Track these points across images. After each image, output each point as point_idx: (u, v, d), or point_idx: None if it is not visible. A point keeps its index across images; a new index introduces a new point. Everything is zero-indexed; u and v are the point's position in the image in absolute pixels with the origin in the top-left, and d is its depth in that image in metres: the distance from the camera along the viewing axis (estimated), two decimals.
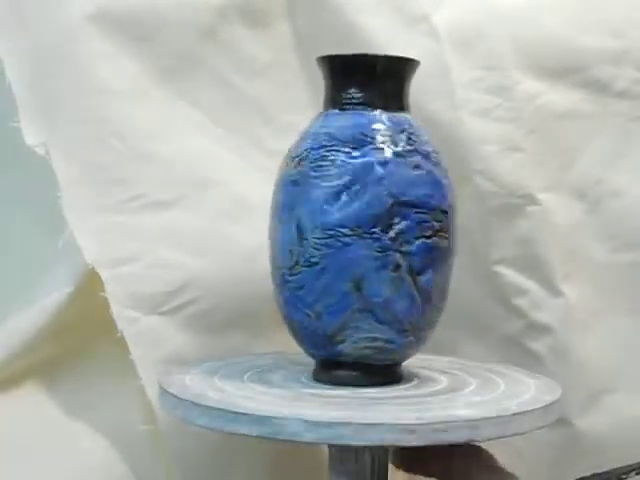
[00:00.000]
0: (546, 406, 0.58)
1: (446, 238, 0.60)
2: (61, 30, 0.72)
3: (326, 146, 0.59)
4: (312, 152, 0.60)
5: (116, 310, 0.70)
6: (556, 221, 0.80)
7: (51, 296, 0.73)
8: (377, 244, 0.58)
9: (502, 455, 0.77)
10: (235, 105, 0.78)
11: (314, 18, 0.78)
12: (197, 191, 0.75)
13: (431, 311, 0.61)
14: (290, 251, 0.59)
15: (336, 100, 0.62)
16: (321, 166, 0.59)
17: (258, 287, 0.70)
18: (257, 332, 0.76)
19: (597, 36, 0.80)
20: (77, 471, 0.73)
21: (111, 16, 0.72)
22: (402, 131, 0.60)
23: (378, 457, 0.62)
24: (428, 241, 0.59)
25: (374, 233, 0.58)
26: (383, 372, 0.62)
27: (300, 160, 0.60)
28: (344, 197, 0.58)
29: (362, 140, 0.59)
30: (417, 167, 0.59)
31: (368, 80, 0.61)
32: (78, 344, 0.75)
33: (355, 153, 0.58)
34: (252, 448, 0.73)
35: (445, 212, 0.60)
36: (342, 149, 0.59)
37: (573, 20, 0.80)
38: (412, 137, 0.60)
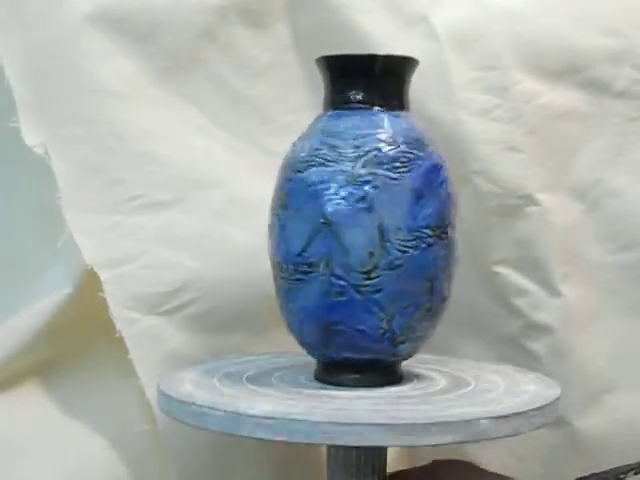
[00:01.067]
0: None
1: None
2: (60, 30, 0.72)
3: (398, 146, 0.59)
4: (383, 152, 0.59)
5: (115, 310, 0.70)
6: (555, 221, 0.80)
7: (50, 296, 0.73)
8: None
9: (499, 455, 0.77)
10: (234, 105, 0.78)
11: (313, 18, 0.78)
12: (196, 191, 0.75)
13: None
14: (371, 253, 0.58)
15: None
16: (396, 167, 0.59)
17: (257, 287, 0.70)
18: (256, 332, 0.76)
19: (596, 36, 0.80)
20: (76, 471, 0.72)
21: (110, 16, 0.72)
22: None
23: (377, 457, 0.62)
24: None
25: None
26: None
27: (361, 159, 0.59)
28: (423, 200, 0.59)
29: (417, 143, 0.60)
30: None
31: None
32: (77, 344, 0.75)
33: (421, 154, 0.59)
34: (251, 448, 0.73)
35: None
36: (411, 151, 0.59)
37: (572, 20, 0.80)
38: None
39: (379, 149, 0.59)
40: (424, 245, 0.58)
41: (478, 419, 0.54)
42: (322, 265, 0.58)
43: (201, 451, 0.72)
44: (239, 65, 0.78)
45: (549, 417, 0.58)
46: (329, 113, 0.62)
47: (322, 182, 0.59)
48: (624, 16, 0.81)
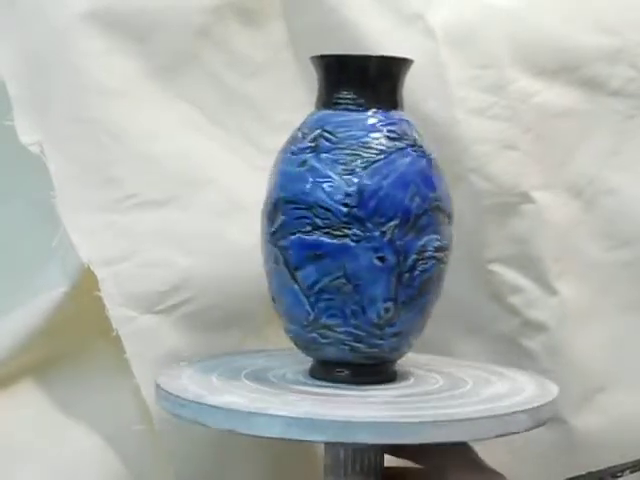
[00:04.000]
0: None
1: (347, 237, 0.58)
2: (55, 28, 0.72)
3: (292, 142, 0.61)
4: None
5: (111, 309, 0.70)
6: (551, 219, 0.80)
7: (46, 295, 0.73)
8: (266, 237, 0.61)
9: (496, 453, 0.77)
10: (230, 104, 0.78)
11: (309, 17, 0.78)
12: (192, 190, 0.74)
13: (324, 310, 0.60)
14: None
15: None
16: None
17: (254, 286, 0.70)
18: (253, 330, 0.76)
19: (592, 35, 0.80)
20: (73, 470, 0.72)
21: (105, 15, 0.72)
22: (316, 128, 0.60)
23: (375, 456, 0.62)
24: (306, 237, 0.58)
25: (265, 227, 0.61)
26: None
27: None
28: None
29: (289, 139, 0.61)
30: (303, 163, 0.59)
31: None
32: (73, 343, 0.75)
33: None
34: (249, 447, 0.74)
35: (331, 210, 0.58)
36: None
37: (568, 19, 0.80)
38: (325, 134, 0.59)
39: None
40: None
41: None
42: None
43: (198, 450, 0.72)
44: (235, 64, 0.78)
45: (546, 416, 0.59)
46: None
47: None
48: (620, 14, 0.81)
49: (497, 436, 0.55)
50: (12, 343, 0.73)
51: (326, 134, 0.59)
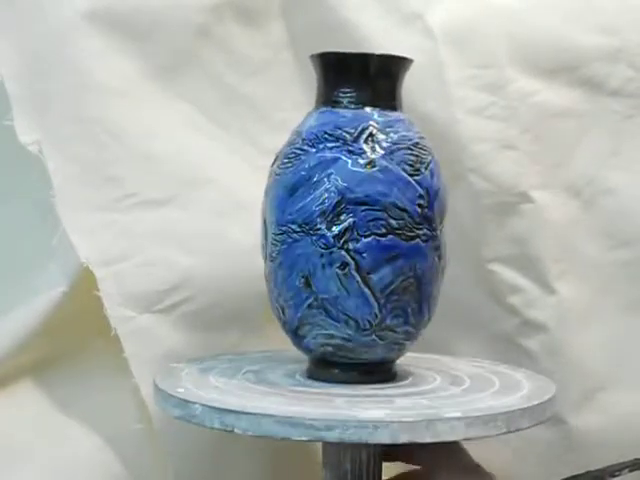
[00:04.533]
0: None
1: (414, 237, 0.59)
2: (55, 28, 0.72)
3: (293, 144, 0.60)
4: (283, 150, 0.61)
5: (110, 309, 0.70)
6: (550, 219, 0.80)
7: (45, 295, 0.73)
8: (323, 241, 0.58)
9: (495, 453, 0.77)
10: (229, 103, 0.78)
11: (308, 16, 0.78)
12: (191, 189, 0.75)
13: (391, 311, 0.59)
14: (262, 246, 0.62)
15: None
16: (284, 163, 0.60)
17: (253, 285, 0.70)
18: (252, 330, 0.76)
19: (591, 34, 0.80)
20: (72, 470, 0.72)
21: (105, 14, 0.72)
22: (363, 129, 0.59)
23: (373, 455, 0.62)
24: (382, 239, 0.58)
25: (319, 230, 0.58)
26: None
27: (276, 158, 0.62)
28: (296, 194, 0.59)
29: (320, 138, 0.59)
30: (371, 164, 0.58)
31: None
32: (72, 343, 0.75)
33: (312, 150, 0.59)
34: (248, 447, 0.74)
35: (407, 210, 0.59)
36: (303, 147, 0.59)
37: (567, 18, 0.80)
38: (374, 134, 0.59)
39: (284, 147, 0.61)
40: (290, 240, 0.59)
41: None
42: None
43: (197, 449, 0.72)
44: (235, 63, 0.78)
45: (544, 415, 0.58)
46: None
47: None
48: (619, 14, 0.81)
49: (496, 435, 0.55)
50: (11, 343, 0.73)
51: (380, 134, 0.59)
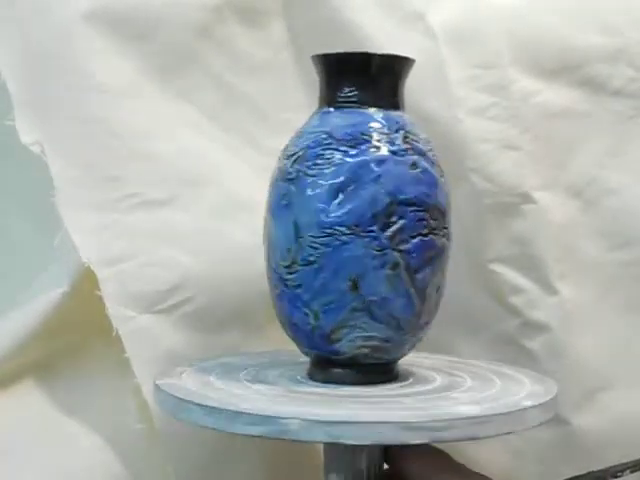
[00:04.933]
0: (542, 404, 0.58)
1: (442, 236, 0.60)
2: (57, 28, 0.72)
3: (323, 144, 0.59)
4: (309, 150, 0.60)
5: (111, 309, 0.70)
6: (552, 219, 0.80)
7: (46, 295, 0.73)
8: (376, 242, 0.58)
9: (496, 453, 0.77)
10: (231, 103, 0.78)
11: (310, 16, 0.78)
12: (192, 189, 0.75)
13: (428, 309, 0.61)
14: (288, 249, 0.59)
15: (331, 98, 0.62)
16: (317, 164, 0.59)
17: (254, 285, 0.70)
18: (253, 330, 0.76)
19: (593, 34, 0.80)
20: (72, 470, 0.72)
21: (107, 14, 0.72)
22: (397, 130, 0.60)
23: (375, 456, 0.62)
24: (425, 239, 0.59)
25: (372, 232, 0.58)
26: (379, 370, 0.62)
27: (297, 158, 0.60)
28: (341, 196, 0.58)
29: (358, 139, 0.59)
30: (414, 165, 0.59)
31: (363, 78, 0.61)
32: (73, 343, 0.75)
33: (352, 152, 0.58)
34: (249, 447, 0.74)
35: (442, 211, 0.60)
36: (339, 147, 0.59)
37: (569, 18, 0.80)
38: (408, 135, 0.60)
39: (309, 146, 0.60)
40: (337, 242, 0.58)
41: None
42: (266, 258, 0.62)
43: (198, 450, 0.72)
44: (235, 63, 0.78)
45: (546, 415, 0.58)
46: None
47: (275, 179, 0.61)
48: (620, 14, 0.81)
49: (497, 435, 0.55)
50: (12, 343, 0.73)
51: (412, 135, 0.60)
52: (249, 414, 0.53)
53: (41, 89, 0.72)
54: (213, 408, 0.55)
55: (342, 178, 0.58)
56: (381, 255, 0.58)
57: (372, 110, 0.60)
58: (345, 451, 0.61)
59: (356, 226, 0.58)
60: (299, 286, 0.59)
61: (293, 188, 0.59)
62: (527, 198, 0.79)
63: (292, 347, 0.64)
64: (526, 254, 0.79)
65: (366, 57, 0.61)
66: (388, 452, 0.62)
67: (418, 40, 0.78)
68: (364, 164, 0.58)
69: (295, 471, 0.77)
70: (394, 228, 0.58)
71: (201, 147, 0.76)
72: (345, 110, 0.61)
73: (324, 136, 0.60)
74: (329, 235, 0.58)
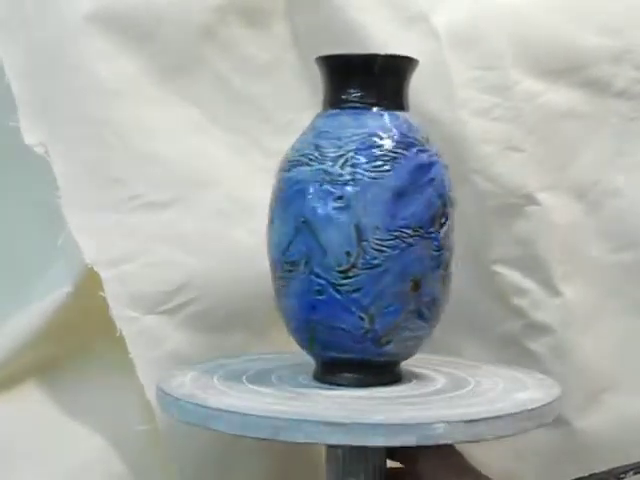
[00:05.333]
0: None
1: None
2: (60, 29, 0.72)
3: (374, 146, 0.59)
4: (361, 152, 0.59)
5: (115, 310, 0.70)
6: (555, 221, 0.80)
7: (50, 296, 0.73)
8: (435, 243, 0.59)
9: (499, 454, 0.77)
10: (234, 104, 0.78)
11: (313, 17, 0.78)
12: (196, 190, 0.75)
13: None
14: (347, 253, 0.58)
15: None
16: (376, 167, 0.58)
17: (257, 287, 0.70)
18: (256, 332, 0.76)
19: (596, 35, 0.80)
20: (75, 471, 0.72)
21: (110, 15, 0.72)
22: (423, 133, 0.61)
23: (378, 457, 0.62)
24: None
25: (432, 233, 0.59)
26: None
27: (345, 160, 0.59)
28: (405, 198, 0.59)
29: (405, 142, 0.59)
30: (446, 167, 0.62)
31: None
32: (77, 344, 0.75)
33: (407, 154, 0.59)
34: (251, 448, 0.73)
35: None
36: (396, 150, 0.59)
37: (572, 19, 0.80)
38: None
39: (360, 149, 0.59)
40: (404, 245, 0.58)
41: (477, 419, 0.54)
42: (302, 264, 0.59)
43: (201, 450, 0.72)
44: (239, 64, 0.78)
45: (549, 417, 0.58)
46: (323, 113, 0.62)
47: (304, 181, 0.59)
48: (624, 15, 0.80)
49: (500, 437, 0.55)
50: (16, 343, 0.73)
51: (429, 138, 0.62)
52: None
53: (45, 90, 0.73)
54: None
55: (402, 181, 0.59)
56: (438, 256, 0.60)
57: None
58: (348, 453, 0.61)
59: (420, 228, 0.59)
60: (357, 290, 0.58)
61: (350, 190, 0.58)
62: (530, 199, 0.79)
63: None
64: (530, 255, 0.79)
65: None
66: (402, 452, 0.62)
67: (422, 41, 0.77)
68: (420, 166, 0.59)
69: (298, 472, 0.77)
70: (445, 229, 0.60)
71: (205, 148, 0.76)
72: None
73: (374, 139, 0.59)
74: (396, 238, 0.58)
